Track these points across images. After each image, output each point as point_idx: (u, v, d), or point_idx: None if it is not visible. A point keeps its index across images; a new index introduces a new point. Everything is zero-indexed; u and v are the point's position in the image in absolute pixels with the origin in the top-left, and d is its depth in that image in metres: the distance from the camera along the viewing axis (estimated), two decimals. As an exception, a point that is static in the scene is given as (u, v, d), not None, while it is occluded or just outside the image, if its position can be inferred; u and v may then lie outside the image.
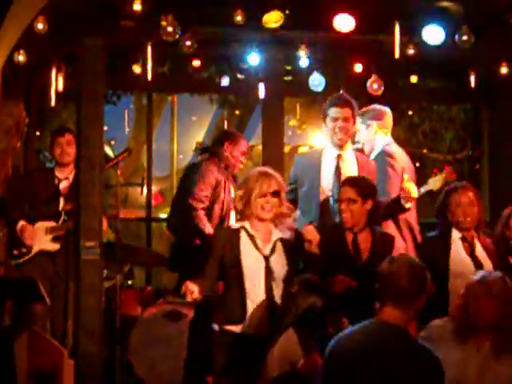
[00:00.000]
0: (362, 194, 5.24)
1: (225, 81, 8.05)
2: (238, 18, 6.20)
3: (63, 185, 6.70)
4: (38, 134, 8.74)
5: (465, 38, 6.32)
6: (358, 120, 6.12)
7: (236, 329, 4.74)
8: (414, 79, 7.99)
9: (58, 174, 6.74)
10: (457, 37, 6.32)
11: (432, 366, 3.69)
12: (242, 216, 4.95)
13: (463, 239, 5.42)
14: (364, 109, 6.40)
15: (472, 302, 4.16)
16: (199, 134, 12.51)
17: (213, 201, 6.60)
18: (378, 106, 6.49)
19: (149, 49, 6.71)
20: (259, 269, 4.75)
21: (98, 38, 6.18)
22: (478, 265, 5.31)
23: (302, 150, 10.97)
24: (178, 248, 6.91)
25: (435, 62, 7.77)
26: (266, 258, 4.77)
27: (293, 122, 11.60)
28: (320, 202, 5.70)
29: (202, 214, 6.47)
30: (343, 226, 5.27)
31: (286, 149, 10.27)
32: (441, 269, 5.25)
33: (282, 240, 4.90)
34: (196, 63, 7.55)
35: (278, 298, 4.74)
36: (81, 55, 6.22)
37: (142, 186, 7.23)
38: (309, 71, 7.52)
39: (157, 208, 11.34)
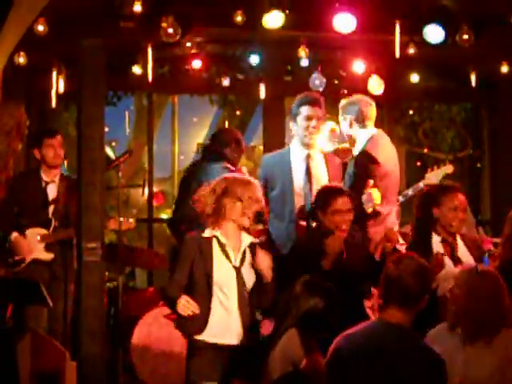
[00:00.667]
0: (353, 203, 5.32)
1: (225, 81, 8.06)
2: (239, 19, 6.20)
3: (51, 189, 6.51)
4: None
5: (465, 37, 6.32)
6: (339, 114, 6.11)
7: (201, 337, 4.63)
8: (414, 78, 7.99)
9: (44, 176, 6.54)
10: (457, 36, 6.32)
11: (435, 366, 3.69)
12: (213, 221, 4.71)
13: (443, 241, 5.35)
14: (342, 102, 6.25)
15: (450, 294, 4.18)
16: (200, 135, 12.48)
17: None
18: (353, 98, 6.27)
19: (149, 50, 6.71)
20: (231, 280, 4.64)
21: (99, 39, 6.18)
22: (459, 263, 5.24)
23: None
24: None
25: (435, 62, 7.77)
26: (237, 269, 4.67)
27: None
28: (295, 205, 5.70)
29: None
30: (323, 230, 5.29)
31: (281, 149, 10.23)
32: None
33: (252, 245, 4.75)
34: (196, 64, 7.54)
35: (248, 305, 4.67)
36: (81, 56, 6.23)
37: (143, 187, 7.22)
38: (309, 71, 7.53)
39: (158, 209, 11.34)
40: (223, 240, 4.68)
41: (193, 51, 6.79)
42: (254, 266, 4.69)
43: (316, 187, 5.62)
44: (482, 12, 6.46)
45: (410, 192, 6.04)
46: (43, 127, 8.11)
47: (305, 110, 5.74)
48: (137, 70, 7.51)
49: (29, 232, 6.39)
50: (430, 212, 5.27)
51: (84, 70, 6.23)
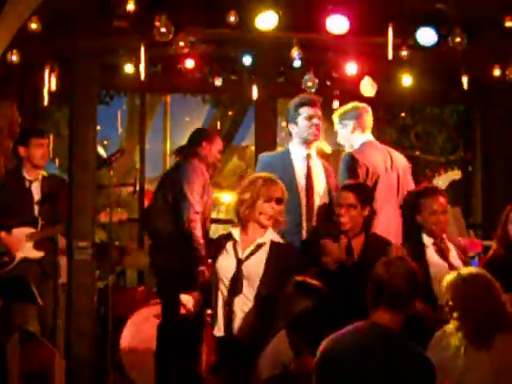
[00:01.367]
0: (361, 199, 5.25)
1: (218, 81, 8.05)
2: (232, 19, 6.20)
3: (35, 188, 6.41)
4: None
5: (458, 40, 6.33)
6: (335, 121, 6.10)
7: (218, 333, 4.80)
8: (407, 81, 7.99)
9: (27, 175, 6.42)
10: (450, 39, 6.33)
11: (424, 369, 3.69)
12: (241, 220, 4.91)
13: (434, 244, 5.36)
14: (341, 109, 6.23)
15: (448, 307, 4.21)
16: (192, 135, 12.48)
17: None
18: (354, 105, 6.21)
19: (142, 49, 6.70)
20: (231, 271, 4.76)
21: (91, 38, 6.18)
22: (453, 267, 5.26)
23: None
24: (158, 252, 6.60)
25: (428, 64, 7.78)
26: (240, 261, 4.77)
27: (286, 123, 11.59)
28: (299, 202, 5.71)
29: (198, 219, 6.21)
30: (338, 229, 5.27)
31: (279, 150, 10.24)
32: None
33: (273, 243, 4.85)
34: (189, 64, 7.54)
35: (251, 299, 4.74)
36: (74, 55, 6.22)
37: (134, 186, 7.20)
38: (302, 72, 7.53)
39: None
40: (236, 237, 4.86)
41: (186, 51, 6.76)
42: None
43: (316, 185, 5.69)
44: (474, 15, 6.47)
45: None
46: (35, 126, 8.09)
47: (305, 111, 5.76)
48: (129, 69, 7.50)
49: (16, 231, 6.28)
50: (415, 220, 5.33)
51: (77, 68, 6.24)
